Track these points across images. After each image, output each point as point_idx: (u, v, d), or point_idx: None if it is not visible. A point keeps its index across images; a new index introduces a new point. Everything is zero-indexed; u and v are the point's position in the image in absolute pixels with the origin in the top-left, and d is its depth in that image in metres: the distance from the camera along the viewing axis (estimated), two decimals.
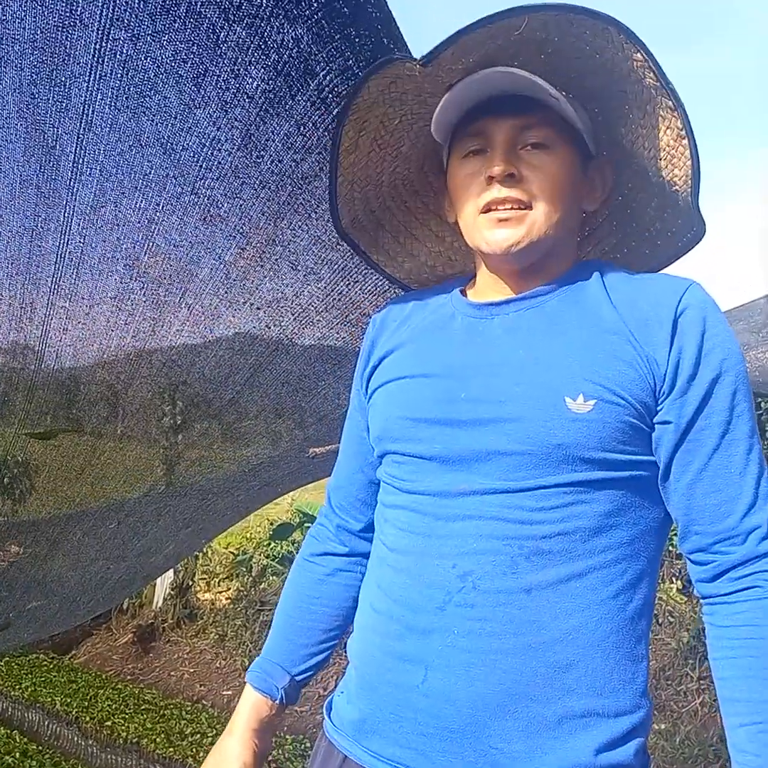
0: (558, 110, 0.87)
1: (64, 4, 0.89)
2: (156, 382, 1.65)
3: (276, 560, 6.00)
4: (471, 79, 0.86)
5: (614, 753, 0.81)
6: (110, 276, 1.32)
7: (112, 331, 1.44)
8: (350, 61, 0.98)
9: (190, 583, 5.80)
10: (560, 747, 0.81)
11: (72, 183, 1.13)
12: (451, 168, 0.95)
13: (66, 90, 0.99)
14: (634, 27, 0.80)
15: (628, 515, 0.86)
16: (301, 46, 0.95)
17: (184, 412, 1.79)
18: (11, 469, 1.81)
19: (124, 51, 0.94)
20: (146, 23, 0.91)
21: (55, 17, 0.90)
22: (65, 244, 1.23)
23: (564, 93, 0.86)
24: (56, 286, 1.31)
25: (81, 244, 1.25)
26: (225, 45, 0.94)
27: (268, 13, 0.90)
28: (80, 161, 1.09)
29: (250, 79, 0.99)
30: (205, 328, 1.49)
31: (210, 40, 0.94)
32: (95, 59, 0.95)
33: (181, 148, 1.09)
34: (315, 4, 0.90)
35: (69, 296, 1.34)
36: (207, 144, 1.08)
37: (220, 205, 1.20)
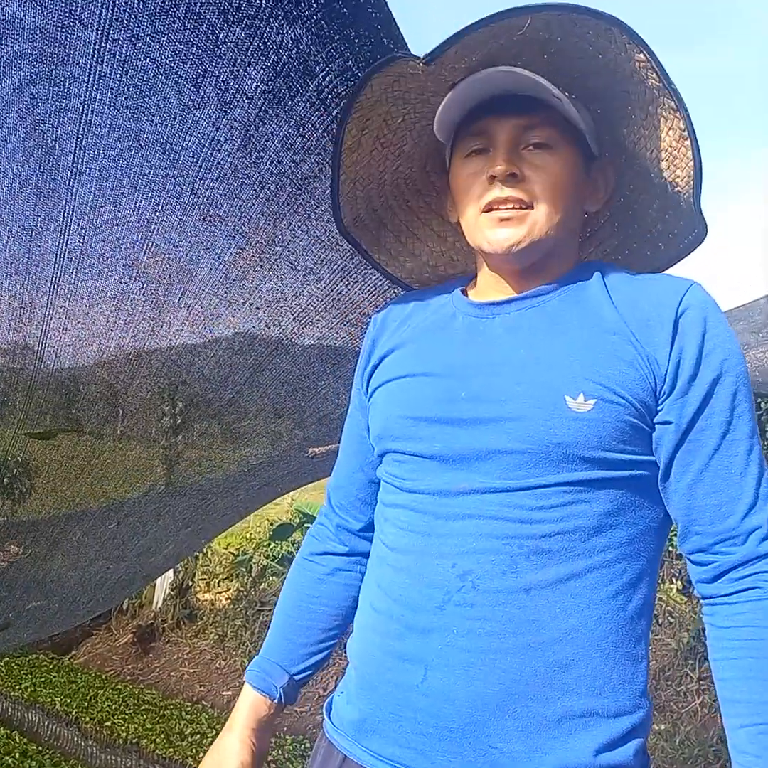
0: (561, 110, 0.87)
1: (63, 5, 0.89)
2: (155, 382, 1.65)
3: (276, 561, 6.00)
4: (474, 78, 0.86)
5: (614, 753, 0.81)
6: (110, 276, 1.32)
7: (112, 331, 1.44)
8: (350, 62, 0.98)
9: (190, 583, 5.80)
10: (560, 747, 0.81)
11: (71, 183, 1.13)
12: (453, 167, 0.95)
13: (65, 90, 0.99)
14: (636, 27, 0.80)
15: (627, 515, 0.86)
16: (301, 47, 0.95)
17: (184, 412, 1.79)
18: (11, 469, 1.81)
19: (124, 51, 0.94)
20: (145, 24, 0.91)
21: (54, 17, 0.90)
22: (64, 244, 1.23)
23: (567, 93, 0.86)
24: (55, 286, 1.31)
25: (80, 244, 1.25)
26: (224, 46, 0.94)
27: (267, 14, 0.90)
28: (79, 161, 1.09)
29: (250, 80, 0.99)
30: (205, 328, 1.49)
31: (209, 41, 0.94)
32: (94, 59, 0.94)
33: (180, 148, 1.09)
34: (314, 5, 0.90)
35: (68, 296, 1.34)
36: (206, 144, 1.08)
37: (220, 206, 1.19)
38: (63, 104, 1.01)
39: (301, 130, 1.07)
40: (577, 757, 0.80)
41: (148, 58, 0.96)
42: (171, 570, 5.41)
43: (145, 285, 1.35)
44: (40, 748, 3.97)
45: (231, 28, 0.92)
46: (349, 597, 1.07)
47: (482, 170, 0.90)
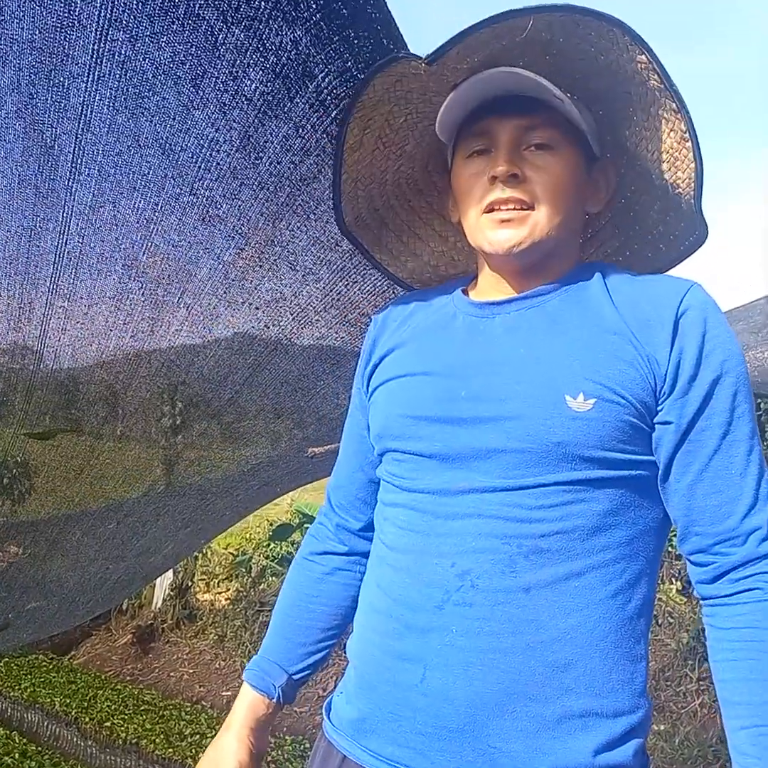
0: (562, 111, 0.87)
1: (62, 5, 0.89)
2: (155, 382, 1.65)
3: (275, 561, 6.00)
4: (476, 78, 0.86)
5: (613, 753, 0.81)
6: (109, 276, 1.32)
7: (111, 331, 1.44)
8: (349, 64, 0.98)
9: (190, 583, 5.80)
10: (559, 747, 0.81)
11: (70, 183, 1.13)
12: (455, 167, 0.95)
13: (64, 90, 0.99)
14: (637, 28, 0.80)
15: (627, 515, 0.86)
16: (300, 48, 0.95)
17: (183, 412, 1.79)
18: (10, 470, 1.80)
19: (123, 52, 0.94)
20: (145, 24, 0.91)
21: (53, 18, 0.90)
22: (64, 244, 1.23)
23: (568, 94, 0.86)
24: (55, 286, 1.31)
25: (79, 244, 1.25)
26: (223, 47, 0.94)
27: (266, 16, 0.90)
28: (79, 161, 1.09)
29: (249, 81, 0.99)
30: (204, 328, 1.49)
31: (208, 42, 0.94)
32: (94, 60, 0.94)
33: (179, 149, 1.09)
34: (313, 6, 0.90)
35: (67, 296, 1.34)
36: (205, 145, 1.08)
37: (219, 206, 1.19)
38: (62, 104, 1.01)
39: (300, 131, 1.07)
40: (576, 757, 0.80)
41: (147, 59, 0.96)
42: (170, 570, 5.40)
43: (144, 285, 1.35)
44: (39, 748, 3.97)
45: (230, 30, 0.92)
46: (348, 597, 1.07)
47: (484, 171, 0.90)
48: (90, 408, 1.68)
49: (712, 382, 0.84)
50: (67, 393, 1.63)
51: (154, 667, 5.19)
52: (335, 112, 1.03)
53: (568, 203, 0.90)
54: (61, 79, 0.97)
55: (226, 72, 0.97)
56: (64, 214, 1.18)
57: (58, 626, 2.97)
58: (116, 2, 0.88)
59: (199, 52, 0.95)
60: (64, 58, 0.95)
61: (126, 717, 4.20)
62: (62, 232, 1.21)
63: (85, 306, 1.37)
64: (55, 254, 1.25)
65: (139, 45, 0.94)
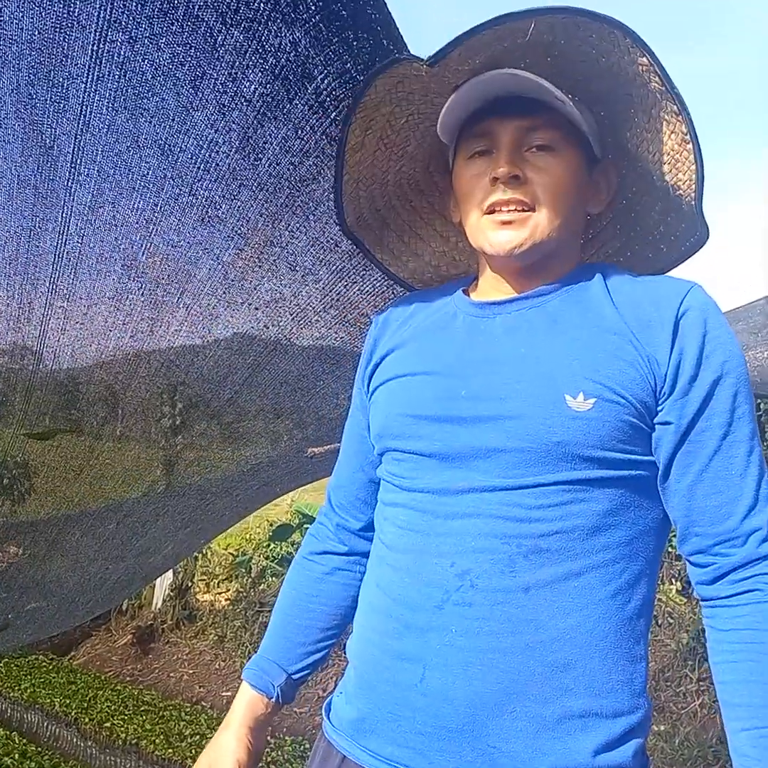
0: (564, 113, 0.87)
1: (61, 6, 0.89)
2: (154, 382, 1.65)
3: (275, 561, 6.00)
4: (477, 80, 0.86)
5: (612, 754, 0.81)
6: (108, 276, 1.32)
7: (111, 331, 1.44)
8: (348, 65, 0.98)
9: (190, 584, 5.80)
10: (559, 747, 0.81)
11: (70, 183, 1.13)
12: (456, 168, 0.96)
13: (64, 91, 0.99)
14: (637, 28, 0.80)
15: (627, 515, 0.85)
16: (299, 50, 0.95)
17: (183, 413, 1.79)
18: (10, 470, 1.80)
19: (122, 53, 0.94)
20: (144, 26, 0.91)
21: (52, 18, 0.90)
22: (63, 245, 1.23)
23: (570, 96, 0.86)
24: (54, 287, 1.31)
25: (79, 245, 1.25)
26: (222, 48, 0.94)
27: (265, 17, 0.90)
28: (78, 162, 1.09)
29: (248, 83, 0.99)
30: (204, 328, 1.49)
31: (207, 44, 0.94)
32: (93, 60, 0.94)
33: (178, 149, 1.09)
34: (313, 8, 0.90)
35: (67, 296, 1.34)
36: (205, 146, 1.08)
37: (218, 207, 1.19)
38: (61, 105, 1.01)
39: (299, 132, 1.07)
40: (576, 758, 0.80)
41: (146, 60, 0.96)
42: (170, 571, 5.41)
43: (143, 285, 1.35)
44: (39, 748, 3.97)
45: (229, 31, 0.92)
46: (348, 597, 1.07)
47: (485, 172, 0.90)
48: (89, 408, 1.68)
49: (713, 382, 0.84)
50: (67, 393, 1.63)
51: (154, 667, 5.19)
52: (334, 113, 1.03)
53: (569, 204, 0.90)
54: (61, 79, 0.97)
55: (226, 73, 0.98)
56: (64, 215, 1.18)
57: (58, 627, 2.97)
58: (115, 3, 0.88)
59: (198, 53, 0.95)
60: (64, 59, 0.95)
61: (126, 717, 4.19)
62: (61, 232, 1.21)
63: (84, 306, 1.37)
64: (55, 254, 1.25)
65: (138, 46, 0.94)
